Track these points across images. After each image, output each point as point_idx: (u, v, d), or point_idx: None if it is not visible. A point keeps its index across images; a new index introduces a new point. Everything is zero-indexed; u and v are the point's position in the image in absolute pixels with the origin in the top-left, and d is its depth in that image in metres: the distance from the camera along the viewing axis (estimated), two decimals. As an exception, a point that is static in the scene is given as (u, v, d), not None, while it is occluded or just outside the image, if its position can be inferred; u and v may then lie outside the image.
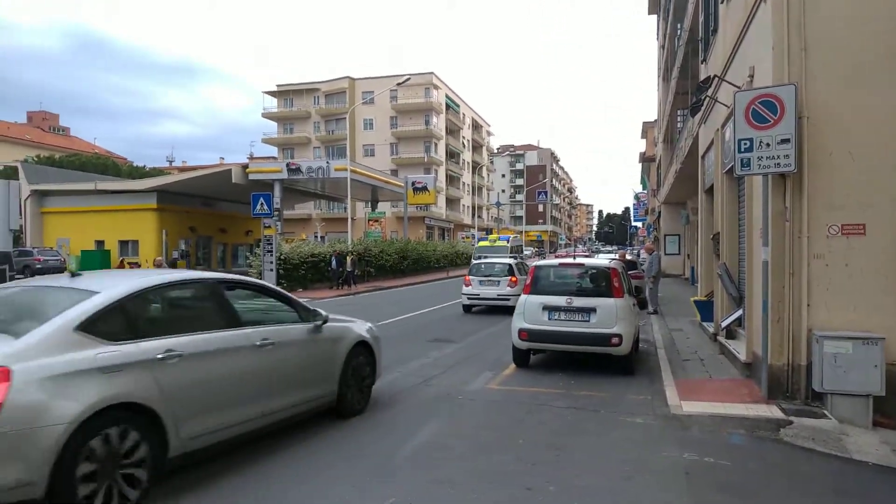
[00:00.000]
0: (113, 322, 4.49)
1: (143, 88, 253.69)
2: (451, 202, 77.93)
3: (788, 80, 6.91)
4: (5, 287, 5.35)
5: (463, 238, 64.37)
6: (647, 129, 48.74)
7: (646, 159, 49.11)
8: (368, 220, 40.54)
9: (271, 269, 25.12)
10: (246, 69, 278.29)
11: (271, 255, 25.19)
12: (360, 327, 7.16)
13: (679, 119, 24.19)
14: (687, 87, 19.63)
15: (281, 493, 4.71)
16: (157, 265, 19.50)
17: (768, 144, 6.91)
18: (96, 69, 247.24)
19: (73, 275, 5.15)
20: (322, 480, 4.96)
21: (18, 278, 29.11)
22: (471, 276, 17.66)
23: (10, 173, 43.24)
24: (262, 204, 25.45)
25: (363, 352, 6.98)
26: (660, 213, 37.49)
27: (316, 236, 55.67)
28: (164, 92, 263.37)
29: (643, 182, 54.02)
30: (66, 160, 61.60)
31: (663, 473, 5.16)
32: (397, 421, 6.72)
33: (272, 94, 75.25)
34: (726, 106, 9.21)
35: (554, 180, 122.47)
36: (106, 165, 62.89)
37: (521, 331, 9.00)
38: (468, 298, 17.44)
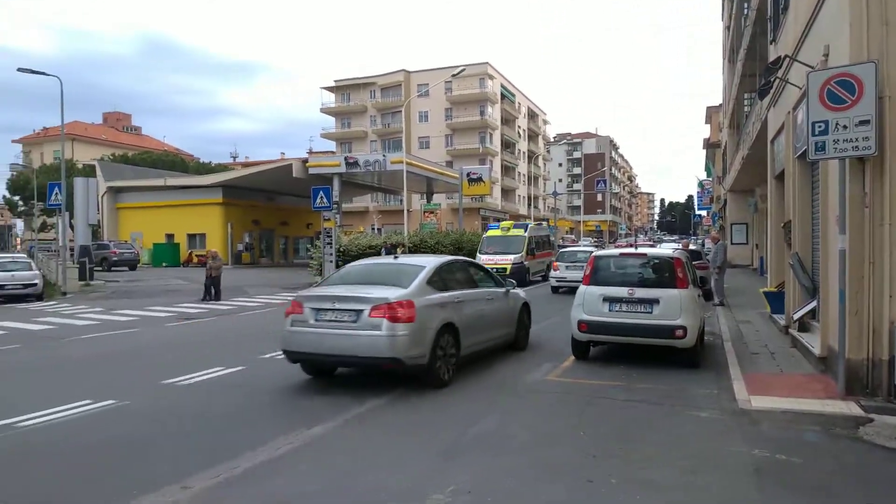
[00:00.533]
0: (436, 280, 8.04)
1: (208, 87, 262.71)
2: (507, 192, 77.45)
3: (868, 58, 6.50)
4: (369, 262, 9.40)
5: (519, 229, 63.92)
6: (711, 113, 47.01)
7: (710, 145, 47.44)
8: (424, 212, 40.70)
9: (331, 261, 25.59)
10: (304, 66, 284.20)
11: (331, 248, 25.66)
12: (522, 293, 10.51)
13: (746, 102, 23.24)
14: (754, 68, 18.79)
15: (337, 482, 4.79)
16: (212, 257, 20.23)
17: (845, 127, 6.53)
18: (164, 70, 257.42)
19: (395, 256, 9.79)
20: (381, 468, 5.02)
21: (98, 270, 30.71)
22: (558, 262, 20.60)
23: (89, 171, 45.60)
24: (321, 197, 25.94)
25: (525, 310, 10.35)
26: (726, 201, 36.21)
27: (373, 228, 56.44)
28: (226, 90, 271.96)
29: (707, 169, 52.22)
30: (139, 158, 64.46)
31: (731, 469, 4.98)
32: (456, 410, 6.75)
33: (330, 89, 76.52)
34: (798, 87, 8.76)
35: (613, 168, 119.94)
36: (174, 162, 65.49)
37: (580, 322, 8.86)
38: (556, 281, 20.29)
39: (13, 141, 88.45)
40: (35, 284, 22.22)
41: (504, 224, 26.77)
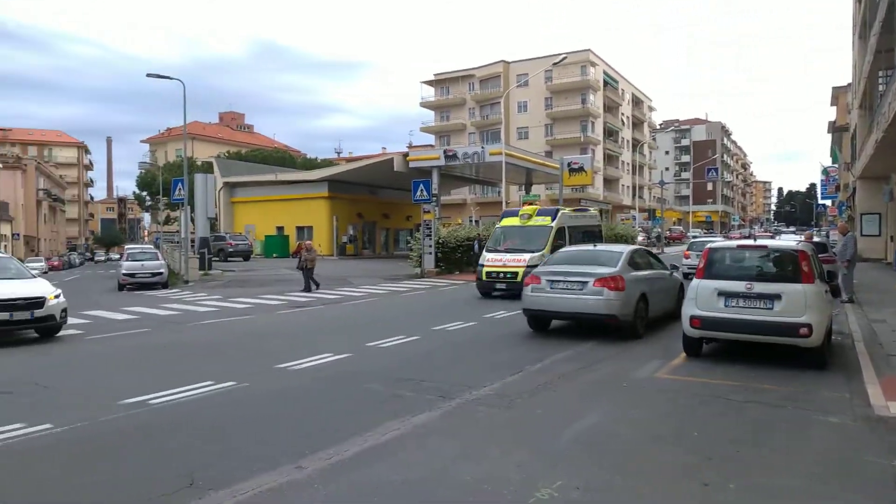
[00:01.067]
0: (631, 261, 10.73)
1: (314, 86, 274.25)
2: (609, 182, 75.26)
3: None
4: (575, 249, 12.36)
5: (622, 220, 62.02)
6: (837, 94, 43.26)
7: (836, 129, 43.68)
8: (522, 203, 40.35)
9: (430, 252, 25.95)
10: (405, 62, 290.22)
11: (430, 239, 26.01)
12: (678, 275, 12.76)
13: (881, 81, 21.19)
14: (892, 43, 17.06)
15: (442, 470, 4.81)
16: (307, 249, 20.96)
17: None
18: (274, 71, 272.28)
19: (595, 245, 13.10)
20: (485, 459, 5.00)
21: (215, 260, 32.86)
22: (689, 251, 21.69)
23: (207, 168, 48.86)
24: (421, 190, 26.37)
25: (681, 288, 12.05)
26: (854, 189, 33.28)
27: (471, 220, 56.70)
28: (331, 88, 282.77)
29: (833, 155, 48.16)
30: (251, 155, 68.40)
31: (867, 480, 4.55)
32: (560, 404, 6.62)
33: (429, 83, 77.46)
34: (949, 59, 7.81)
35: (725, 156, 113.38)
36: (283, 158, 68.87)
37: (692, 318, 8.39)
38: (687, 268, 20.35)
39: (141, 141, 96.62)
40: (161, 273, 24.19)
41: (525, 210, 19.49)
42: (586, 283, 10.04)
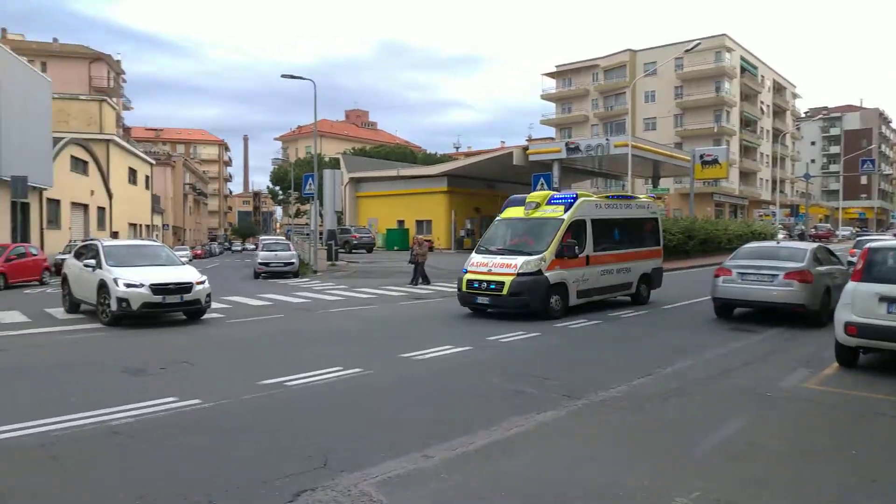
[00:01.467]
0: (815, 257, 11.61)
1: (435, 82, 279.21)
2: (746, 176, 70.26)
3: None
4: (757, 245, 13.35)
5: (760, 216, 57.67)
6: None
7: None
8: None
9: (550, 248, 25.53)
10: (526, 55, 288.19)
11: (550, 234, 25.57)
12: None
13: None
14: None
15: (569, 471, 4.66)
16: (419, 244, 21.24)
17: None
18: (397, 69, 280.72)
19: (778, 241, 15.96)
20: (615, 462, 4.79)
21: (341, 252, 34.38)
22: (855, 249, 20.95)
23: (334, 164, 51.22)
24: (541, 184, 25.97)
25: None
26: None
27: (593, 215, 55.01)
28: (451, 83, 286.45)
29: None
30: (374, 151, 70.95)
31: None
32: (695, 411, 6.23)
33: (551, 75, 76.25)
34: None
35: (883, 146, 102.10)
36: (405, 154, 70.78)
37: (847, 325, 7.57)
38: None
39: (274, 138, 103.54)
40: (293, 263, 25.69)
41: (533, 197, 14.10)
42: (776, 275, 11.13)
